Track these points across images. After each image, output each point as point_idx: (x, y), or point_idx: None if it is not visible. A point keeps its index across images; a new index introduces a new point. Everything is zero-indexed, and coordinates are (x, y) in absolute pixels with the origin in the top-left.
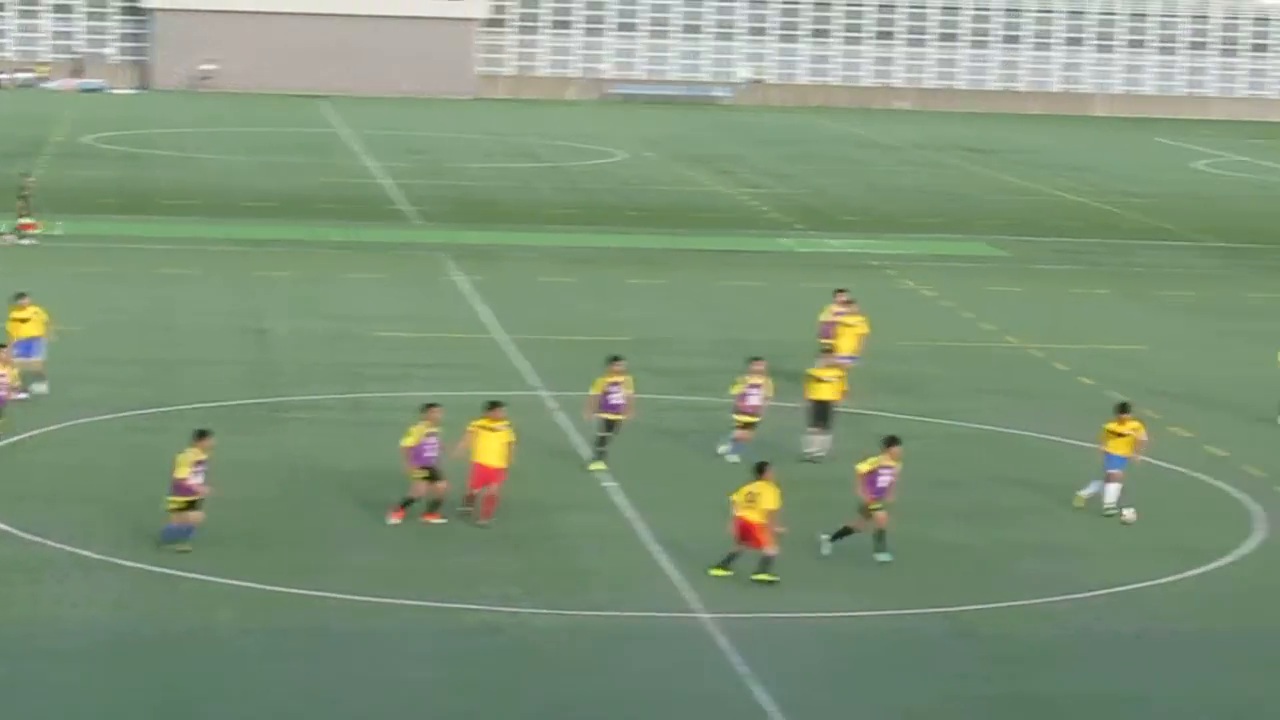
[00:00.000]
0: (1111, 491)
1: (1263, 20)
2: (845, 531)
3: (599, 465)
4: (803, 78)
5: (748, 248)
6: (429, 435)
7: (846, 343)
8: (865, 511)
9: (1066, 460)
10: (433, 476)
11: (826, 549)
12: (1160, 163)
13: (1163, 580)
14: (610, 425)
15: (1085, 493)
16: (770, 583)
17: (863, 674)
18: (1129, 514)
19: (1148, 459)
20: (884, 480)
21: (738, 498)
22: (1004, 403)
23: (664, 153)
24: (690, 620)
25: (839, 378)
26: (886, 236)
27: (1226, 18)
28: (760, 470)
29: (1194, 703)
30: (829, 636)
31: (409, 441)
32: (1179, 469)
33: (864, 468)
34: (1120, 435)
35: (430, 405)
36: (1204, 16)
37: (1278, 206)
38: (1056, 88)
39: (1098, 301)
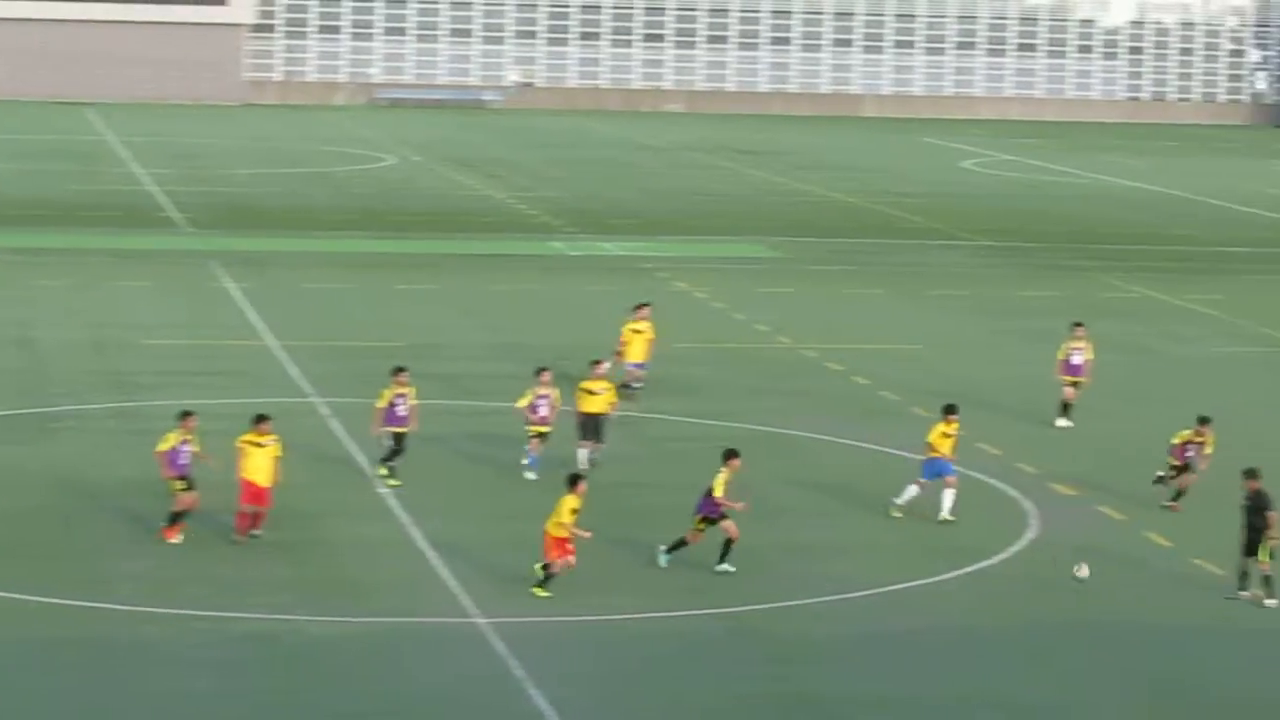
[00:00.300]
0: (910, 491)
1: (1029, 20)
2: (727, 546)
3: (391, 480)
4: (572, 81)
5: (519, 251)
6: (183, 442)
7: (637, 349)
8: (703, 524)
9: (843, 460)
10: (189, 486)
11: (724, 568)
12: (930, 163)
13: (937, 579)
14: (398, 438)
15: (946, 511)
16: (543, 597)
17: (640, 676)
18: (1084, 571)
19: (919, 456)
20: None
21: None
22: (779, 403)
23: (433, 157)
24: (467, 625)
25: (609, 389)
26: (658, 239)
27: (993, 18)
28: (572, 483)
29: (965, 701)
30: (606, 639)
31: (163, 447)
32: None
33: (718, 490)
34: (949, 437)
35: (186, 413)
36: (971, 17)
37: (1047, 205)
38: (826, 89)
39: (871, 301)
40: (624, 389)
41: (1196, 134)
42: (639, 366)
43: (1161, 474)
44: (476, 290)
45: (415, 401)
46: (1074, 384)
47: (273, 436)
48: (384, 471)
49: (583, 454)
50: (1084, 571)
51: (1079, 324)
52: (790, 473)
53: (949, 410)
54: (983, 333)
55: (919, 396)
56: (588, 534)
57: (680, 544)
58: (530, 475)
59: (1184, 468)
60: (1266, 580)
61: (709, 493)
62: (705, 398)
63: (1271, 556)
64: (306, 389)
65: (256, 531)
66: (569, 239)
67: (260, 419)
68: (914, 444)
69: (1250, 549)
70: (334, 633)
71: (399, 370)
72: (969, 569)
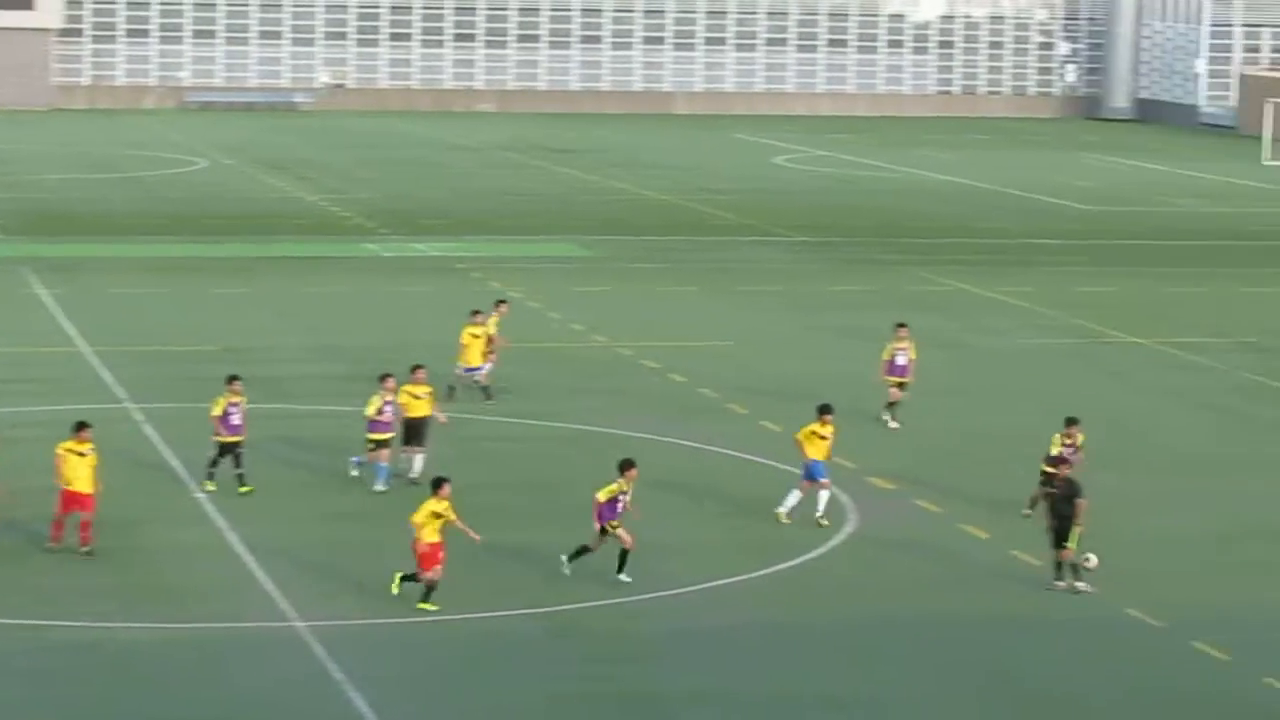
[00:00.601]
0: (793, 497)
1: (840, 16)
2: (583, 550)
3: (210, 485)
4: (383, 82)
5: (332, 253)
6: None
7: (474, 353)
8: (602, 532)
9: (660, 458)
10: None
11: (566, 570)
12: (742, 159)
13: (756, 574)
14: (233, 447)
15: (785, 508)
16: (431, 609)
17: (460, 676)
18: (1093, 561)
19: (738, 453)
20: (621, 504)
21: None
22: (597, 402)
23: (244, 160)
24: (286, 629)
25: (430, 394)
26: (472, 239)
27: (804, 14)
28: (436, 486)
29: (784, 696)
30: (425, 640)
31: None
32: (771, 463)
33: (603, 496)
34: (823, 439)
35: None
36: (782, 13)
37: (859, 199)
38: (638, 86)
39: (685, 299)
40: (483, 391)
41: (1007, 127)
42: (472, 370)
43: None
44: (290, 293)
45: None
46: (899, 384)
47: (91, 445)
48: (223, 486)
49: (405, 458)
50: (1092, 562)
51: (903, 325)
52: (609, 471)
53: (824, 410)
54: (797, 328)
55: (736, 393)
56: (478, 537)
57: (584, 550)
58: (355, 473)
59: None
60: (1074, 568)
61: (609, 501)
62: (523, 397)
63: (1077, 544)
64: (120, 395)
65: (87, 547)
66: (382, 240)
67: (81, 426)
68: (734, 440)
69: (1061, 539)
70: (154, 639)
71: (232, 379)
72: (788, 564)
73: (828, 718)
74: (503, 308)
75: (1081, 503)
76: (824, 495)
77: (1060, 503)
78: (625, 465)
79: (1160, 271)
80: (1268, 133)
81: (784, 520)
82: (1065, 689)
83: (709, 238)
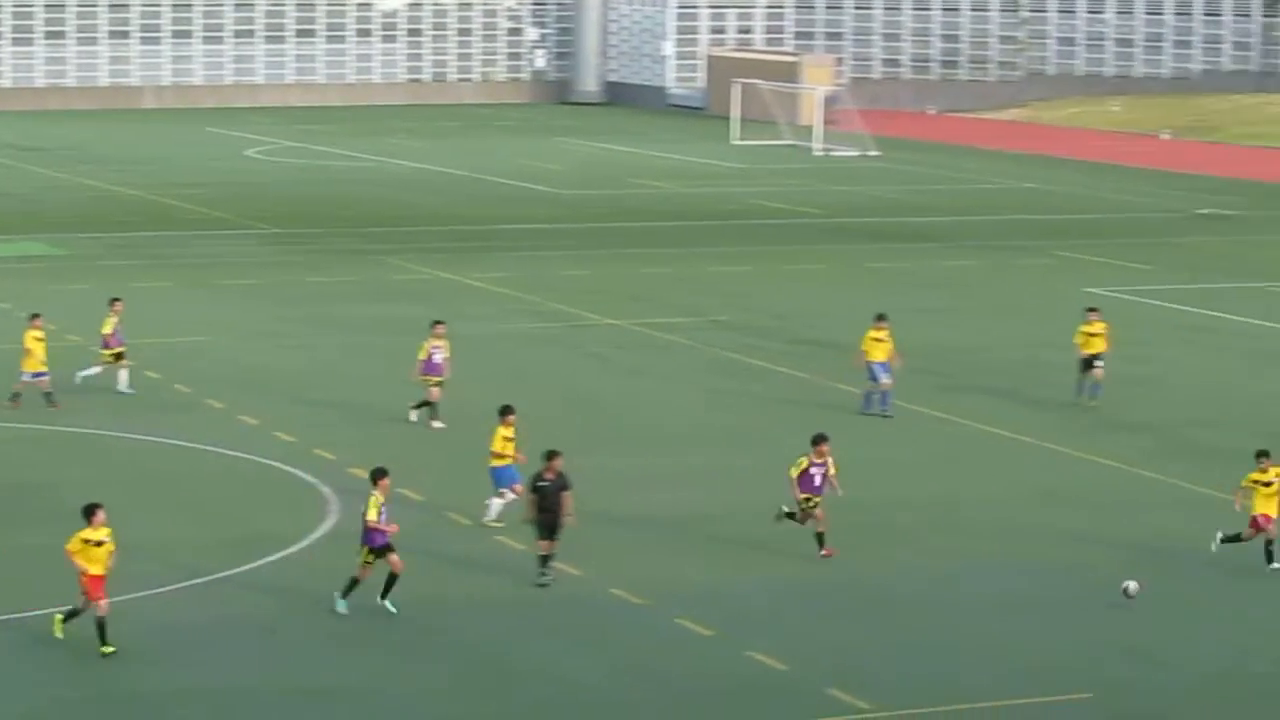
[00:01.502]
0: (495, 505)
1: (307, 6)
2: (390, 582)
3: None
4: None
5: None
6: None
7: (36, 359)
8: (371, 557)
9: (139, 457)
10: None
11: (387, 606)
12: (213, 152)
13: (239, 570)
14: None
15: (493, 512)
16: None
17: None
18: (1133, 587)
19: (215, 448)
20: (384, 517)
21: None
22: (73, 402)
23: None
24: None
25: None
26: None
27: (271, 4)
28: (88, 514)
29: (273, 689)
30: None
31: None
32: (251, 457)
33: (372, 515)
34: (510, 440)
35: None
36: (249, 4)
37: (333, 190)
38: (105, 82)
39: (160, 294)
40: (13, 399)
41: (478, 113)
42: (40, 376)
43: (789, 511)
44: None
45: None
46: (438, 383)
47: None
48: None
49: None
50: (1133, 588)
51: (439, 322)
52: (87, 472)
53: (505, 411)
54: (274, 321)
55: (212, 387)
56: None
57: (354, 584)
58: None
59: (815, 503)
60: (546, 559)
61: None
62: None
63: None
64: None
65: None
66: None
67: None
68: (211, 436)
69: (551, 530)
70: None
71: None
72: (271, 558)
73: (317, 708)
74: (118, 305)
75: (569, 496)
76: (510, 497)
77: (550, 495)
78: (376, 475)
79: (634, 253)
80: (735, 112)
81: (494, 525)
82: (549, 669)
83: (183, 232)
